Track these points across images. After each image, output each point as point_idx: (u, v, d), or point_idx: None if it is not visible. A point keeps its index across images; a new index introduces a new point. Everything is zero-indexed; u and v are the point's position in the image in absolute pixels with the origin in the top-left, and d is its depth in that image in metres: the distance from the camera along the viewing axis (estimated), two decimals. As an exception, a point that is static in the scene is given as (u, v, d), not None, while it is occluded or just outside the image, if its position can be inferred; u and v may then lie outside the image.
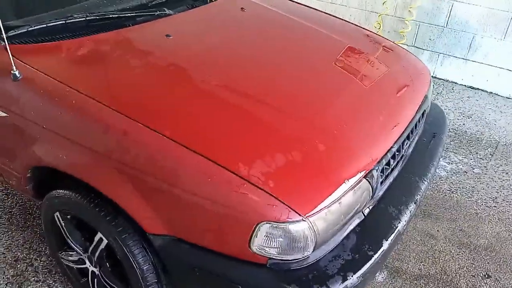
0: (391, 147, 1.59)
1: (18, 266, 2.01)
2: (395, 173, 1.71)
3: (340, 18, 2.42)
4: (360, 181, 1.42)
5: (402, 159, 1.74)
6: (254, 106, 1.51)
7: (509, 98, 3.64)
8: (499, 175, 2.77)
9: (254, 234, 1.24)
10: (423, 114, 1.92)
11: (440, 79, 3.89)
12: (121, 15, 1.85)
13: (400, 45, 3.81)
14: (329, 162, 1.40)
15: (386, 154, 1.56)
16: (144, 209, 1.36)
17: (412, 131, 1.79)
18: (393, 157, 1.62)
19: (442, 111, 2.28)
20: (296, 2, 2.55)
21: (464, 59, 3.73)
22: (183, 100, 1.48)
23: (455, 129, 3.21)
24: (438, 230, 2.32)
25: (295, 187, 1.30)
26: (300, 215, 1.24)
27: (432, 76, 3.88)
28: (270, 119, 1.47)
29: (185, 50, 1.76)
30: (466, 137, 3.13)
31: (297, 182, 1.31)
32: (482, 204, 2.52)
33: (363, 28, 2.38)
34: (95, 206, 1.47)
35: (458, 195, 2.58)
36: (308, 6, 2.52)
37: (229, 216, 1.26)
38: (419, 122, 1.87)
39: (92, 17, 1.75)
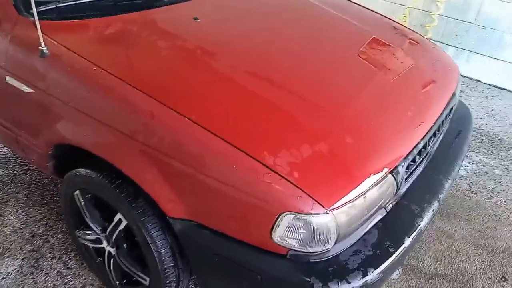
0: (418, 144, 1.56)
1: (35, 242, 2.03)
2: (420, 170, 1.68)
3: (369, 9, 2.37)
4: (386, 176, 1.39)
5: (427, 156, 1.71)
6: (282, 96, 1.48)
7: (534, 99, 3.56)
8: (520, 177, 2.72)
9: (276, 225, 1.23)
10: (450, 111, 1.88)
11: (465, 76, 3.81)
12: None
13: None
14: (356, 155, 1.38)
15: (412, 150, 1.53)
16: (166, 192, 1.35)
17: (438, 128, 1.75)
18: (419, 153, 1.59)
19: (467, 109, 2.24)
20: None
21: (490, 57, 3.64)
22: (211, 86, 1.46)
23: (477, 128, 3.15)
24: (455, 230, 2.28)
25: (320, 179, 1.27)
26: (324, 207, 1.22)
27: (456, 73, 3.82)
28: (298, 109, 1.44)
29: (213, 34, 1.74)
30: (488, 137, 3.07)
31: (322, 174, 1.29)
32: (501, 206, 2.47)
33: (393, 21, 2.33)
34: (117, 186, 1.47)
35: (477, 195, 2.54)
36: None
37: (252, 204, 1.25)
38: (446, 119, 1.83)
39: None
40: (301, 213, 1.21)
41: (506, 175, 2.72)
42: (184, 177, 1.32)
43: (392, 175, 1.42)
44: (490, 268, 2.12)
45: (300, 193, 1.22)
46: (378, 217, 1.47)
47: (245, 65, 1.58)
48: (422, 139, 1.59)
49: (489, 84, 3.71)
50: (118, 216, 1.54)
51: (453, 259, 2.13)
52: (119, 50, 1.56)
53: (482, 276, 2.07)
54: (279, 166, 1.25)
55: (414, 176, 1.63)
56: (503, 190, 2.59)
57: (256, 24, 1.91)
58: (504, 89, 3.66)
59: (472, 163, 2.79)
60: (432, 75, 1.92)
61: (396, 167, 1.43)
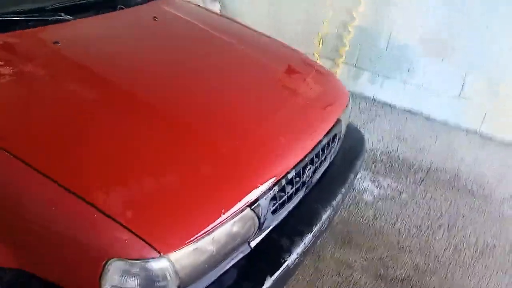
0: (288, 173, 1.47)
1: None
2: (296, 200, 1.59)
3: (261, 33, 2.31)
4: (243, 210, 1.28)
5: (305, 185, 1.62)
6: (125, 123, 1.35)
7: (445, 124, 3.62)
8: (426, 201, 2.70)
9: (104, 272, 1.08)
10: (334, 138, 1.81)
11: (380, 101, 3.85)
12: (7, 18, 1.67)
13: (340, 63, 3.78)
14: (205, 188, 1.24)
15: (280, 180, 1.43)
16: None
17: (317, 156, 1.67)
18: (291, 183, 1.50)
19: (362, 137, 2.18)
20: (220, 15, 2.44)
21: (403, 82, 3.70)
22: (40, 114, 1.30)
23: (388, 153, 3.15)
24: (355, 260, 2.21)
25: (157, 218, 1.14)
26: (157, 251, 1.08)
27: (372, 99, 3.86)
28: (142, 137, 1.31)
29: (67, 58, 1.59)
30: (398, 161, 3.07)
31: (161, 212, 1.15)
32: (404, 232, 2.43)
33: (285, 45, 2.27)
34: None
35: (382, 221, 2.49)
36: (231, 19, 2.40)
37: (77, 250, 1.10)
38: (328, 146, 1.76)
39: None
40: (131, 259, 1.07)
41: (413, 199, 2.71)
42: (5, 221, 1.16)
43: (252, 209, 1.32)
44: (388, 299, 2.05)
45: (128, 236, 1.07)
46: (240, 255, 1.35)
47: (92, 90, 1.44)
48: (294, 167, 1.50)
49: (403, 109, 3.75)
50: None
51: (350, 291, 2.05)
52: None
53: (380, 308, 1.99)
54: (108, 205, 1.10)
55: (288, 208, 1.53)
56: (408, 216, 2.56)
57: (125, 47, 1.78)
58: (417, 113, 3.71)
59: (380, 188, 2.76)
60: (316, 101, 1.86)
61: (257, 200, 1.33)
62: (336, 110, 1.88)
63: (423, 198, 2.73)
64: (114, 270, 1.08)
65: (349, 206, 2.56)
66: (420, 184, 2.86)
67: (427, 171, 3.01)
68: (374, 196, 2.69)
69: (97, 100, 1.42)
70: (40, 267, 1.18)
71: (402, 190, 2.77)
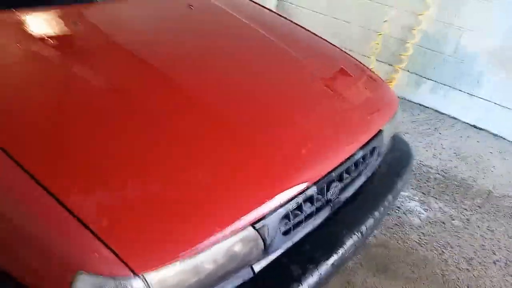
0: (307, 188, 1.26)
1: None
2: (316, 221, 1.38)
3: (305, 29, 2.10)
4: (243, 229, 1.10)
5: (330, 204, 1.40)
6: (122, 119, 1.21)
7: (515, 143, 3.23)
8: (482, 232, 2.37)
9: (72, 285, 0.95)
10: (372, 152, 1.58)
11: (442, 113, 3.50)
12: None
13: (400, 69, 3.48)
14: (199, 200, 1.08)
15: (296, 197, 1.23)
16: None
17: (348, 172, 1.46)
18: (310, 201, 1.30)
19: (409, 151, 1.92)
20: (265, 9, 2.26)
21: (470, 94, 3.34)
22: (33, 97, 1.20)
23: (444, 171, 2.82)
24: (390, 290, 1.95)
25: (137, 230, 0.98)
26: (131, 270, 0.93)
27: (433, 109, 3.52)
28: (137, 136, 1.17)
29: (78, 41, 1.48)
30: (455, 182, 2.74)
31: (143, 224, 0.99)
32: (452, 265, 2.13)
33: (334, 46, 2.05)
34: None
35: (427, 249, 2.20)
36: (275, 13, 2.22)
37: (45, 254, 0.97)
38: (364, 161, 1.54)
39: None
40: (100, 274, 0.93)
41: (466, 228, 2.38)
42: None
43: (256, 229, 1.13)
44: None
45: (100, 248, 0.93)
46: (239, 281, 1.17)
47: (98, 80, 1.32)
48: (316, 182, 1.30)
49: (467, 123, 3.39)
50: None
51: (379, 327, 1.80)
52: None
53: None
54: (85, 210, 0.97)
55: (304, 229, 1.33)
56: (458, 245, 2.25)
57: (149, 36, 1.65)
58: (482, 129, 3.33)
59: (429, 211, 2.46)
60: (352, 109, 1.63)
61: (262, 218, 1.14)
62: (379, 120, 1.64)
63: (479, 228, 2.40)
64: (82, 285, 0.94)
65: (391, 227, 2.29)
66: (477, 211, 2.52)
67: (487, 197, 2.66)
68: (422, 219, 2.39)
69: (99, 89, 1.30)
70: (11, 266, 1.07)
71: (455, 216, 2.45)
